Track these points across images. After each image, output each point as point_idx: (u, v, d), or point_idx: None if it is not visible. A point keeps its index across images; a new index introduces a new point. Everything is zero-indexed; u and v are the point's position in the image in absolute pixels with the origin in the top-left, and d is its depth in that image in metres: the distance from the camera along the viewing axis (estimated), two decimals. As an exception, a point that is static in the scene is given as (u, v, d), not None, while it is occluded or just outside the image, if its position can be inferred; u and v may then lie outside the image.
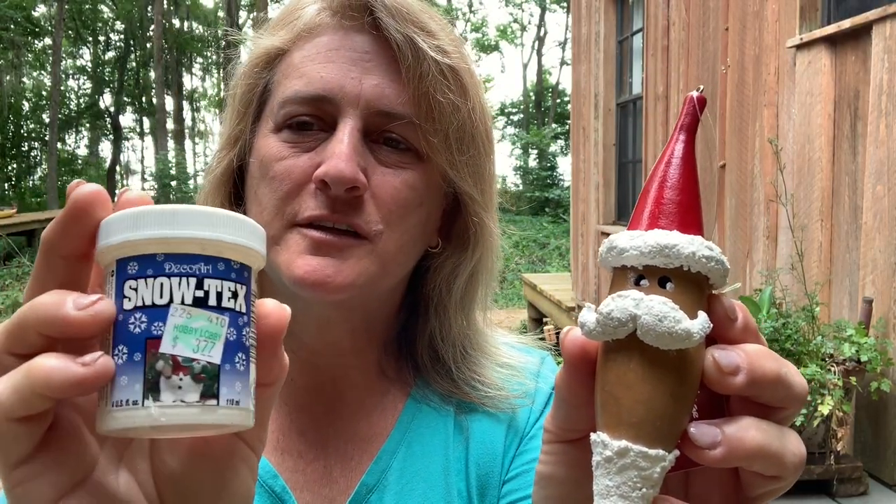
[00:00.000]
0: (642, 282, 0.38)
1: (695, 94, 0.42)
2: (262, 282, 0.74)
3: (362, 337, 0.76)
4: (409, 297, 0.79)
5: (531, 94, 33.95)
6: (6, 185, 31.28)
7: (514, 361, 0.81)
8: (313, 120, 0.68)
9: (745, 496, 0.41)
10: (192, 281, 0.36)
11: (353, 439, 0.76)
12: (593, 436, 0.38)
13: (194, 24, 34.92)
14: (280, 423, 0.75)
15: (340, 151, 0.64)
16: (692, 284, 0.38)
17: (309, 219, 0.66)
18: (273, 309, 0.39)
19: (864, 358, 3.32)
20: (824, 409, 3.22)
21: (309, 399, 0.76)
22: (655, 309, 0.36)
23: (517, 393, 0.78)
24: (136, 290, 0.36)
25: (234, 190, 0.74)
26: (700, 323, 0.37)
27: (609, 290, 0.39)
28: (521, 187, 24.49)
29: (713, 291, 0.40)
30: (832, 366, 3.37)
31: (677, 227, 0.39)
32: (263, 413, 0.41)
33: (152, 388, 0.35)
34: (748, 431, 0.37)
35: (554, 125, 26.98)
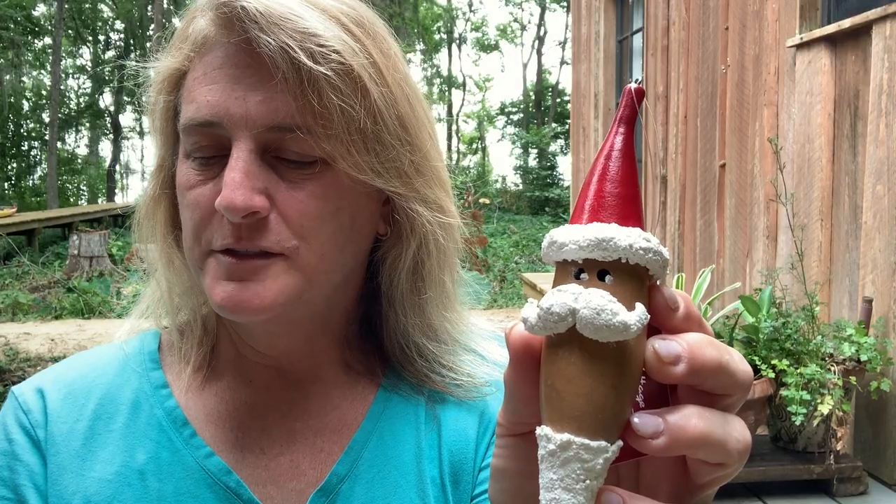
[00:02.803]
0: (582, 275, 0.39)
1: (633, 86, 0.42)
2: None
3: (320, 338, 0.76)
4: (369, 287, 0.78)
5: (531, 93, 33.96)
6: (6, 184, 31.26)
7: (480, 349, 0.80)
8: (212, 146, 0.66)
9: (693, 484, 0.41)
10: None
11: (322, 432, 0.75)
12: (538, 429, 0.39)
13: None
14: (239, 421, 0.75)
15: (231, 180, 0.63)
16: (631, 276, 0.38)
17: (220, 247, 0.65)
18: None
19: (863, 357, 3.32)
20: (824, 409, 3.22)
21: (272, 397, 0.76)
22: (593, 302, 0.36)
23: (484, 381, 0.78)
24: None
25: (173, 211, 0.73)
26: (637, 314, 0.37)
27: (552, 284, 0.40)
28: (521, 187, 24.50)
29: (657, 282, 0.40)
30: (832, 365, 3.37)
31: (616, 219, 0.39)
32: None
33: None
34: (690, 420, 0.37)
35: (554, 125, 26.99)
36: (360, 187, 0.69)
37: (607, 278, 0.38)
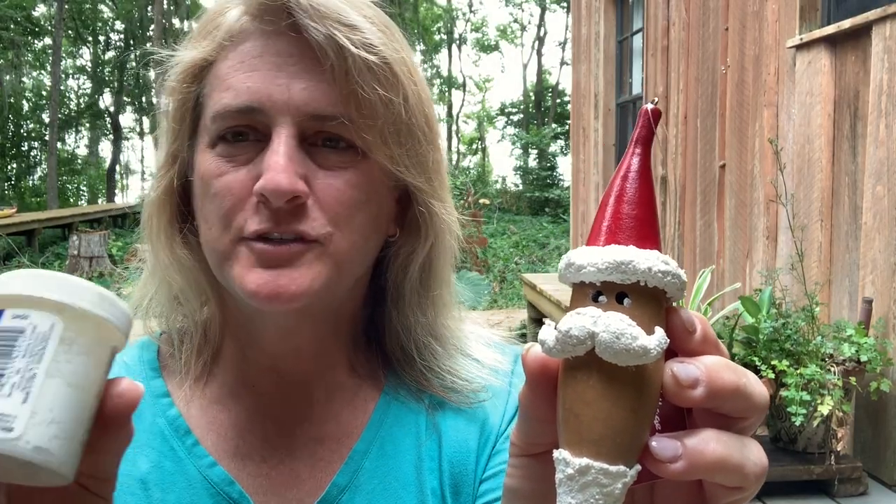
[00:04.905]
0: (600, 298, 0.39)
1: (649, 106, 0.42)
2: (224, 297, 0.73)
3: (328, 339, 0.75)
4: (373, 288, 0.78)
5: (531, 94, 33.96)
6: (6, 184, 31.26)
7: (480, 356, 0.80)
8: (247, 130, 0.66)
9: None
10: None
11: (322, 440, 0.75)
12: (555, 453, 0.39)
13: (194, 24, 34.86)
14: (240, 429, 0.74)
15: (276, 163, 0.63)
16: (649, 299, 0.38)
17: (254, 233, 0.65)
18: (126, 388, 0.43)
19: (863, 358, 3.32)
20: (824, 409, 3.22)
21: (274, 404, 0.75)
22: (613, 326, 0.36)
23: (482, 387, 0.78)
24: None
25: (181, 208, 0.73)
26: (657, 338, 0.37)
27: (569, 305, 0.40)
28: (521, 187, 24.49)
29: (672, 304, 0.40)
30: (832, 366, 3.37)
31: (634, 241, 0.39)
32: (112, 471, 0.46)
33: None
34: (708, 444, 0.37)
35: (554, 125, 26.98)
36: (389, 180, 0.70)
37: (626, 301, 0.38)
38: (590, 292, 0.39)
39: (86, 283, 0.42)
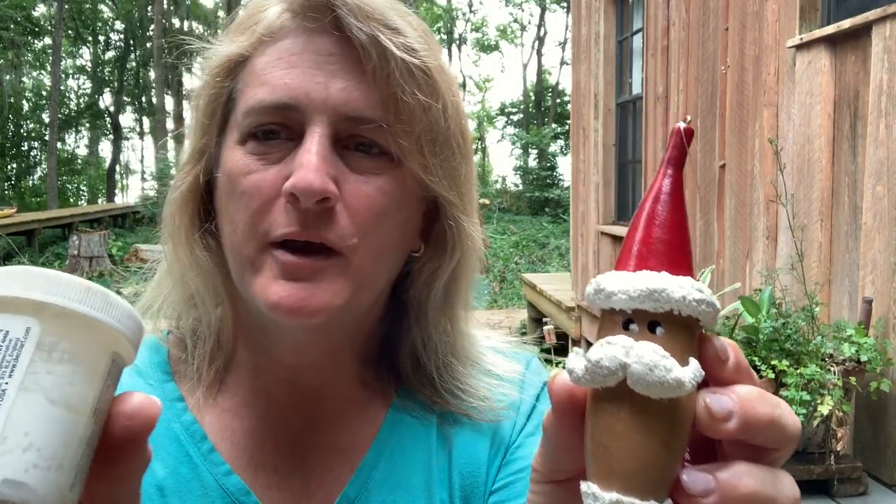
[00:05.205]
0: (631, 326, 0.37)
1: (681, 125, 0.41)
2: (238, 304, 0.71)
3: (344, 353, 0.74)
4: (392, 304, 0.76)
5: (531, 94, 33.96)
6: (6, 184, 31.26)
7: (499, 370, 0.78)
8: (279, 128, 0.64)
9: None
10: None
11: (333, 451, 0.73)
12: (583, 485, 0.38)
13: (194, 24, 34.92)
14: (255, 438, 0.73)
15: (308, 162, 0.61)
16: (683, 328, 0.37)
17: (281, 236, 0.63)
18: (140, 406, 0.37)
19: (863, 358, 3.32)
20: (824, 409, 3.22)
21: (286, 412, 0.74)
22: (646, 357, 0.35)
23: (501, 404, 0.76)
24: None
25: (204, 206, 0.71)
26: (692, 371, 0.36)
27: (598, 332, 0.39)
28: (521, 187, 24.50)
29: (703, 332, 0.39)
30: (832, 366, 3.37)
31: (666, 268, 0.38)
32: (129, 499, 0.39)
33: None
34: (741, 478, 0.36)
35: (554, 125, 26.98)
36: (421, 191, 0.69)
37: (658, 330, 0.37)
38: (620, 320, 0.38)
39: (74, 278, 0.35)
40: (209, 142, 0.69)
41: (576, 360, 0.38)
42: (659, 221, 0.39)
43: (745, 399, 0.36)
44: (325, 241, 0.63)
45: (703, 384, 0.38)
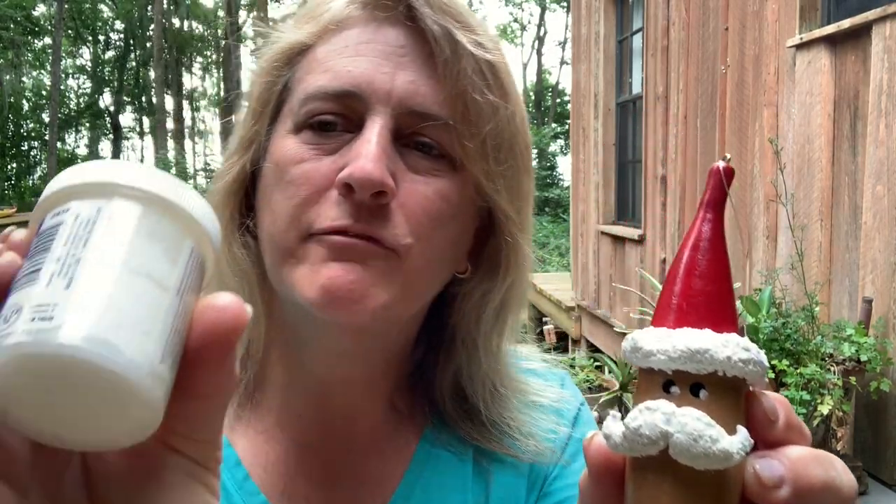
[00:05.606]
0: (672, 388, 0.35)
1: (721, 164, 0.38)
2: (273, 306, 0.67)
3: (378, 369, 0.69)
4: (428, 327, 0.71)
5: (531, 93, 33.94)
6: (6, 184, 31.26)
7: (543, 400, 0.73)
8: (338, 119, 0.61)
9: None
10: None
11: (364, 481, 0.69)
12: None
13: (194, 24, 34.92)
14: (287, 466, 0.68)
15: (368, 152, 0.57)
16: (728, 390, 0.34)
17: (328, 229, 0.58)
18: (230, 303, 0.32)
19: (863, 358, 3.32)
20: (824, 409, 3.21)
21: (318, 436, 0.69)
22: (689, 426, 0.33)
23: (546, 444, 0.71)
24: None
25: (246, 200, 0.67)
26: (740, 440, 0.33)
27: (636, 391, 0.36)
28: (520, 187, 24.42)
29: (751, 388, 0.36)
30: (832, 365, 3.36)
31: (708, 323, 0.35)
32: (213, 429, 0.34)
33: None
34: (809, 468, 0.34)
35: (554, 125, 26.98)
36: (478, 201, 0.65)
37: (701, 393, 0.34)
38: (660, 381, 0.35)
39: (144, 166, 0.32)
40: (260, 130, 0.65)
41: (613, 424, 0.35)
42: (699, 271, 0.36)
43: (796, 462, 0.34)
44: (376, 238, 0.58)
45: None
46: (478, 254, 0.69)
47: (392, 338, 0.68)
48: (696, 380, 0.34)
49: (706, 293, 0.36)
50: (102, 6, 33.38)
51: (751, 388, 0.36)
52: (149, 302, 0.29)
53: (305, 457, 0.69)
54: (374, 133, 0.58)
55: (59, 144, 31.02)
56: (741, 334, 0.36)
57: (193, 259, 0.33)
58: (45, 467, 0.32)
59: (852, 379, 3.32)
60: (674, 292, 0.36)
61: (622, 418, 0.35)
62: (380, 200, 0.58)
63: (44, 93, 31.46)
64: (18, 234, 0.32)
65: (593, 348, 7.17)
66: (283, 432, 0.69)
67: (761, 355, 0.35)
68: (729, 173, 0.38)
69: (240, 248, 0.66)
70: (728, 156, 0.39)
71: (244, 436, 0.69)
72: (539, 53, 34.08)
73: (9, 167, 31.85)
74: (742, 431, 0.34)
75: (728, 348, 0.34)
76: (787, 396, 3.23)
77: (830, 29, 3.94)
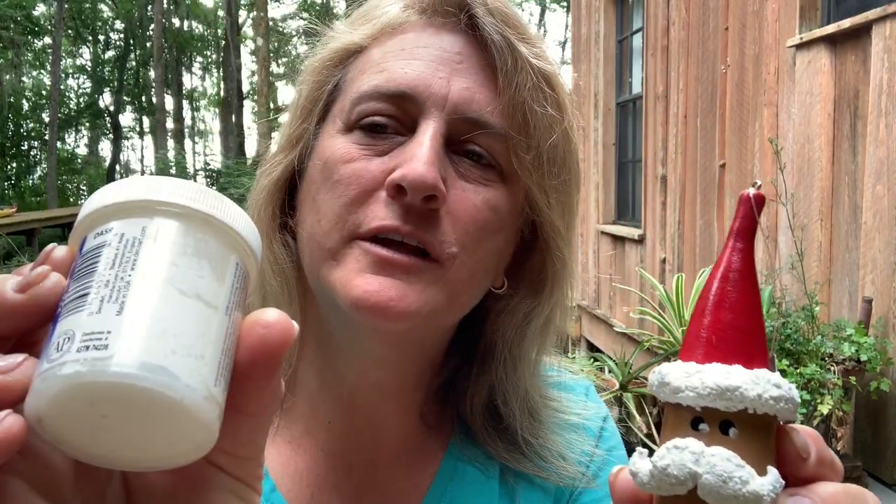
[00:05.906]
0: (701, 426, 0.34)
1: (752, 191, 0.37)
2: (309, 312, 0.66)
3: (409, 377, 0.68)
4: (459, 339, 0.70)
5: (531, 93, 33.88)
6: (6, 184, 31.26)
7: (574, 418, 0.72)
8: (390, 122, 0.60)
9: None
10: None
11: (389, 494, 0.68)
12: None
13: (194, 24, 34.92)
14: (315, 476, 0.67)
15: (422, 154, 0.56)
16: (759, 428, 0.34)
17: (375, 230, 0.57)
18: (277, 319, 0.32)
19: (863, 357, 3.32)
20: (824, 409, 3.21)
21: (346, 445, 0.68)
22: (719, 467, 0.32)
23: (577, 467, 0.70)
24: None
25: (288, 199, 0.66)
26: (770, 482, 0.32)
27: (663, 427, 0.35)
28: (520, 187, 24.42)
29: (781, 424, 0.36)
30: (832, 365, 3.36)
31: (739, 359, 0.34)
32: (257, 446, 0.34)
33: None
34: None
35: (554, 125, 26.91)
36: (525, 215, 0.64)
37: (731, 431, 0.33)
38: (688, 417, 0.34)
39: (185, 181, 0.32)
40: (308, 129, 0.65)
41: (640, 461, 0.34)
42: (729, 304, 0.35)
43: (828, 501, 0.33)
44: (423, 243, 0.57)
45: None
46: (518, 270, 0.67)
47: (427, 347, 0.67)
48: (726, 417, 0.33)
49: (735, 327, 0.35)
50: (102, 6, 33.39)
51: (781, 423, 0.35)
52: (200, 324, 0.30)
53: (332, 468, 0.68)
54: (428, 136, 0.58)
55: (59, 144, 31.03)
56: (772, 368, 0.35)
57: (239, 274, 0.33)
58: (87, 485, 0.33)
59: (852, 379, 3.31)
60: (703, 325, 0.35)
61: (649, 454, 0.35)
62: (430, 205, 0.57)
63: (44, 93, 31.46)
64: (60, 252, 0.32)
65: (593, 348, 7.17)
66: (311, 440, 0.68)
67: (793, 391, 0.34)
68: (760, 201, 0.37)
69: (280, 246, 0.65)
70: (758, 182, 0.38)
71: (272, 445, 0.68)
72: (539, 53, 34.06)
73: (9, 167, 31.85)
74: (773, 472, 0.33)
75: (759, 386, 0.33)
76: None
77: (830, 29, 3.94)
